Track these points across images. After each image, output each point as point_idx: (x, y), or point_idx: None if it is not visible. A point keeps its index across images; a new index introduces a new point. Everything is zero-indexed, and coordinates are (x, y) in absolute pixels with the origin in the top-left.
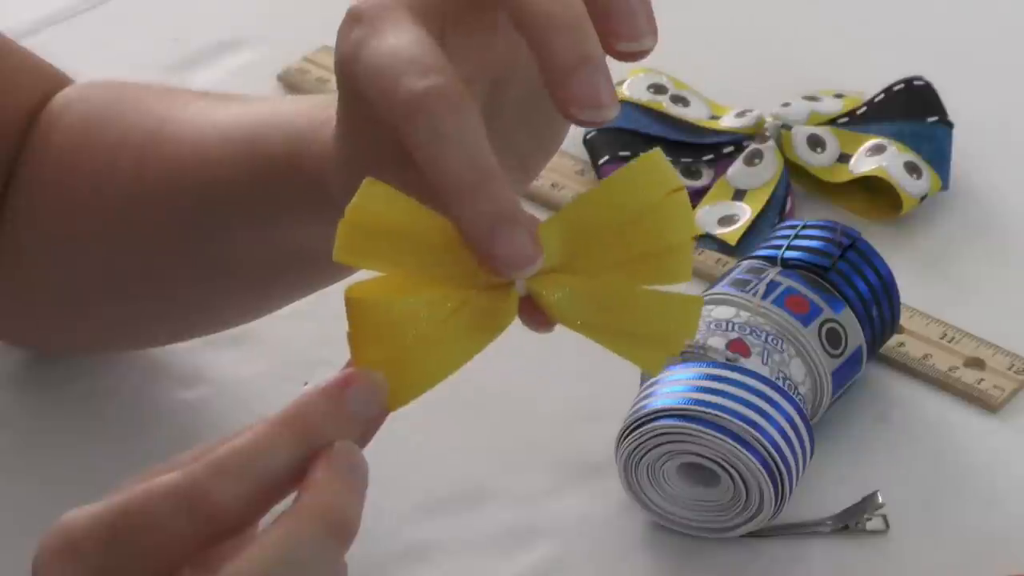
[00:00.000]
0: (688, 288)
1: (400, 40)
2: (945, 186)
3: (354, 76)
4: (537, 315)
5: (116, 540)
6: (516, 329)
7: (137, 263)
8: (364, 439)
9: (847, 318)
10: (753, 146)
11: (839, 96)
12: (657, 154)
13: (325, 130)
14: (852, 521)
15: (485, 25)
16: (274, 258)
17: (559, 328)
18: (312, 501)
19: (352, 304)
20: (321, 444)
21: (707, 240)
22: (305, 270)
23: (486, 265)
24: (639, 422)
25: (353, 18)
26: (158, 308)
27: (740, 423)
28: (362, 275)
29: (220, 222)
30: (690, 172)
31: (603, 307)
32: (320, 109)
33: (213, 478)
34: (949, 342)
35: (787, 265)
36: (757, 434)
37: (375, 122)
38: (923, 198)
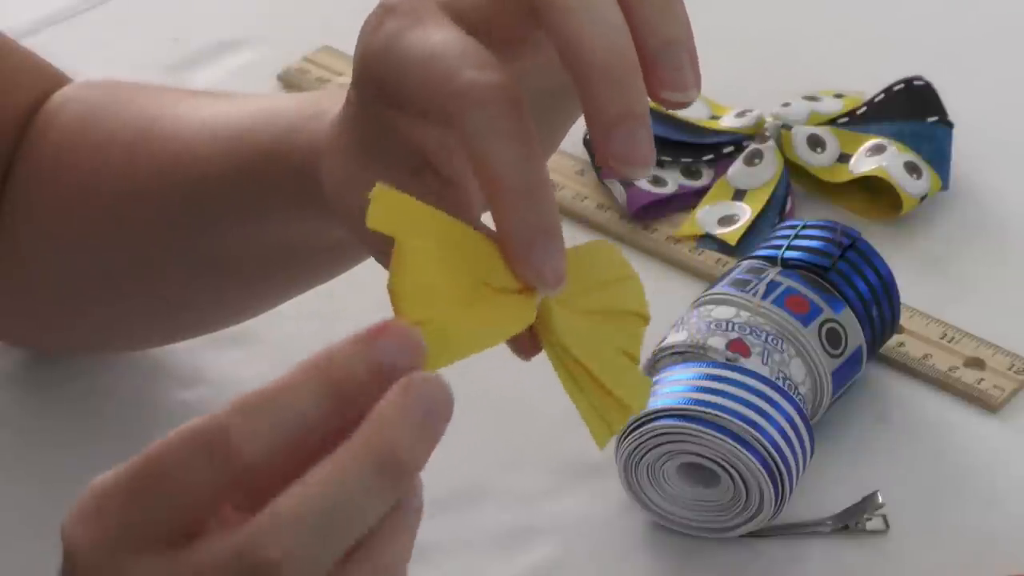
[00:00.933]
0: (688, 288)
1: (448, 34)
2: (945, 186)
3: (386, 64)
4: (527, 340)
5: (137, 491)
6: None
7: (129, 260)
8: (426, 431)
9: (847, 318)
10: (753, 146)
11: (839, 96)
12: (607, 243)
13: (313, 123)
14: (852, 521)
15: (514, 39)
16: (264, 254)
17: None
18: (364, 435)
19: (399, 255)
20: (349, 391)
21: (707, 240)
22: (296, 267)
23: (519, 273)
24: (639, 422)
25: (387, 9)
26: (151, 306)
27: (740, 423)
28: (360, 277)
29: (210, 218)
30: (690, 172)
31: (590, 350)
32: (310, 103)
33: (233, 417)
34: (949, 342)
35: (787, 265)
36: (757, 434)
37: (393, 116)
38: (923, 198)
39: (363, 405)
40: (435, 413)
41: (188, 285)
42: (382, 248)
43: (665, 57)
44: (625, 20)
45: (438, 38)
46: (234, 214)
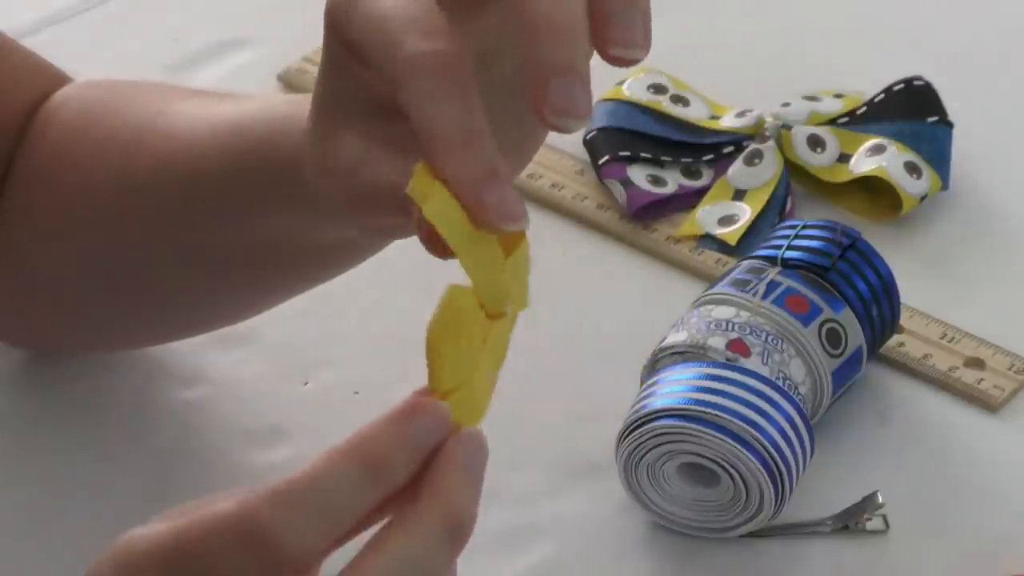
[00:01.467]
0: (688, 288)
1: None
2: (945, 186)
3: (347, 24)
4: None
5: (174, 568)
6: (518, 329)
7: (128, 258)
8: (478, 486)
9: (847, 318)
10: (753, 146)
11: (839, 96)
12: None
13: (304, 111)
14: (852, 521)
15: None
16: (261, 252)
17: (559, 332)
18: (432, 502)
19: (435, 338)
20: (386, 474)
21: (707, 240)
22: (291, 267)
23: (479, 217)
24: (639, 422)
25: None
26: (149, 304)
27: (740, 423)
28: (359, 278)
29: (207, 214)
30: (690, 172)
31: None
32: (306, 98)
33: (271, 508)
34: (949, 342)
35: (787, 265)
36: (757, 434)
37: (359, 71)
38: (923, 198)
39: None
40: (482, 466)
41: (185, 283)
42: (370, 224)
43: (618, 15)
44: None
45: (391, 2)
46: (231, 210)
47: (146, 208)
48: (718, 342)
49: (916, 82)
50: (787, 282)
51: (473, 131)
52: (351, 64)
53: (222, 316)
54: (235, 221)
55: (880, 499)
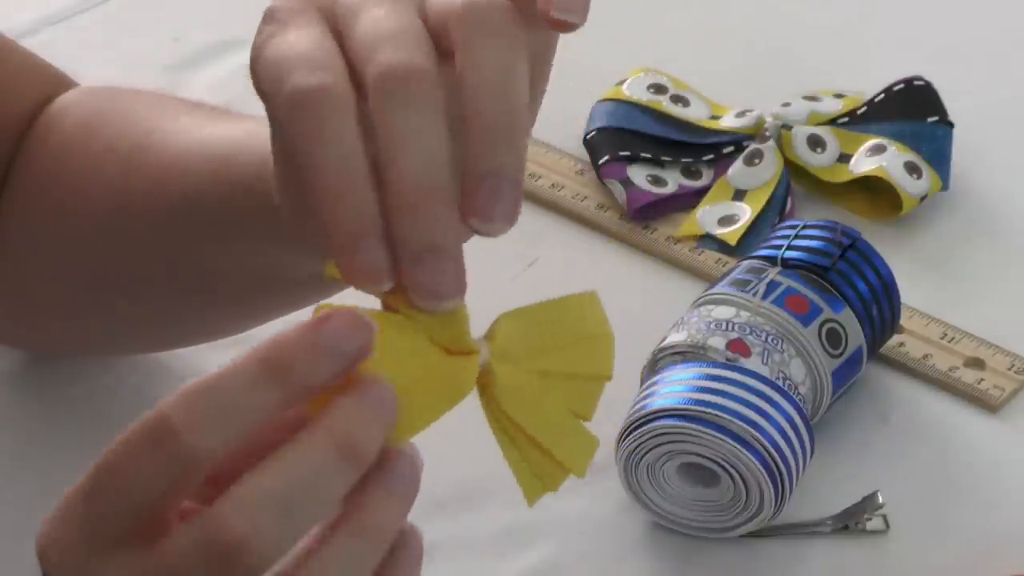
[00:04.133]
0: (688, 288)
1: (300, 37)
2: (945, 186)
3: (255, 73)
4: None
5: (93, 490)
6: None
7: (117, 273)
8: (380, 418)
9: (847, 318)
10: (753, 146)
11: (839, 96)
12: (594, 296)
13: None
14: (852, 521)
15: None
16: (249, 277)
17: None
18: (321, 421)
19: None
20: (289, 374)
21: (707, 240)
22: (278, 293)
23: (345, 275)
24: (639, 422)
25: (267, 17)
26: (140, 318)
27: (740, 423)
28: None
29: (197, 236)
30: (690, 172)
31: (532, 411)
32: None
33: (176, 407)
34: (949, 342)
35: (787, 265)
36: (757, 434)
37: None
38: (923, 198)
39: (312, 391)
40: (388, 403)
41: (174, 302)
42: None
43: (486, 185)
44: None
45: (287, 43)
46: (221, 236)
47: (137, 224)
48: (718, 342)
49: (916, 82)
50: (787, 282)
51: (350, 177)
52: (271, 113)
53: (210, 334)
54: (224, 244)
55: (880, 499)
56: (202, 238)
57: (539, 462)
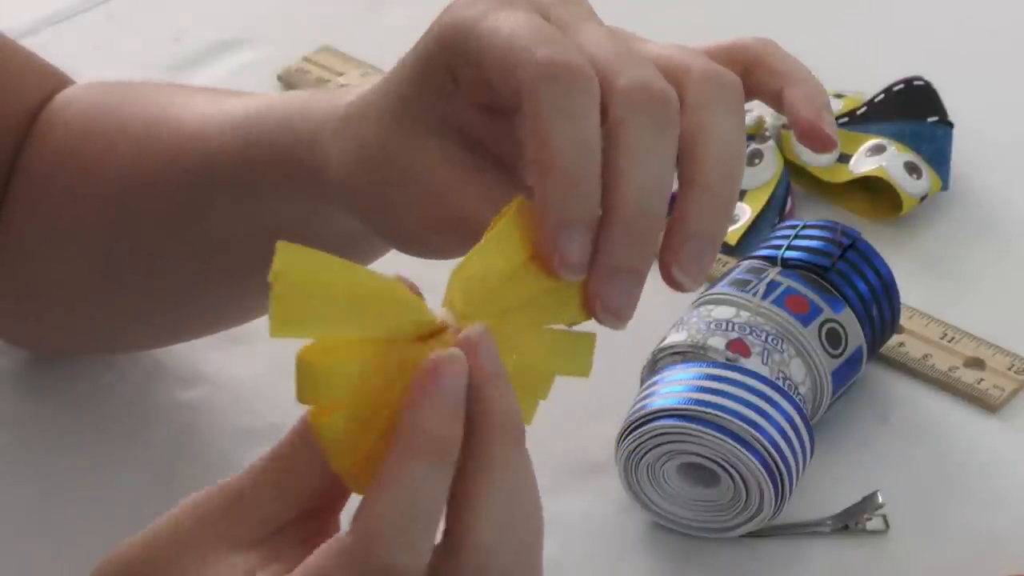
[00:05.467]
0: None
1: (533, 19)
2: (945, 186)
3: (467, 40)
4: None
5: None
6: None
7: (132, 251)
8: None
9: (847, 318)
10: (753, 146)
11: (839, 96)
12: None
13: (317, 104)
14: (852, 521)
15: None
16: (267, 244)
17: None
18: (407, 435)
19: (304, 370)
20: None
21: None
22: None
23: (542, 256)
24: (639, 422)
25: None
26: (153, 303)
27: (740, 423)
28: None
29: (216, 205)
30: None
31: (508, 347)
32: (311, 93)
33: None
34: (949, 342)
35: (787, 265)
36: (757, 434)
37: (452, 91)
38: (923, 198)
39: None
40: (450, 382)
41: (191, 280)
42: (397, 234)
43: (691, 247)
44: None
45: (523, 20)
46: (243, 194)
47: (156, 201)
48: (718, 342)
49: (916, 82)
50: (787, 282)
51: (587, 163)
52: (447, 85)
53: (226, 315)
54: (246, 208)
55: (880, 499)
56: (223, 201)
57: (539, 376)
